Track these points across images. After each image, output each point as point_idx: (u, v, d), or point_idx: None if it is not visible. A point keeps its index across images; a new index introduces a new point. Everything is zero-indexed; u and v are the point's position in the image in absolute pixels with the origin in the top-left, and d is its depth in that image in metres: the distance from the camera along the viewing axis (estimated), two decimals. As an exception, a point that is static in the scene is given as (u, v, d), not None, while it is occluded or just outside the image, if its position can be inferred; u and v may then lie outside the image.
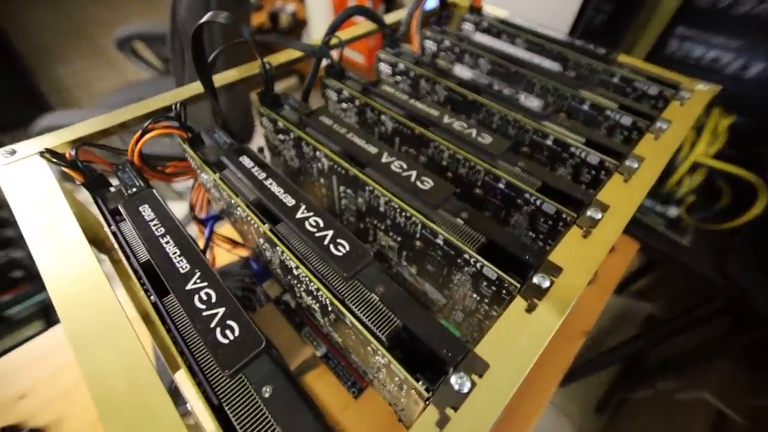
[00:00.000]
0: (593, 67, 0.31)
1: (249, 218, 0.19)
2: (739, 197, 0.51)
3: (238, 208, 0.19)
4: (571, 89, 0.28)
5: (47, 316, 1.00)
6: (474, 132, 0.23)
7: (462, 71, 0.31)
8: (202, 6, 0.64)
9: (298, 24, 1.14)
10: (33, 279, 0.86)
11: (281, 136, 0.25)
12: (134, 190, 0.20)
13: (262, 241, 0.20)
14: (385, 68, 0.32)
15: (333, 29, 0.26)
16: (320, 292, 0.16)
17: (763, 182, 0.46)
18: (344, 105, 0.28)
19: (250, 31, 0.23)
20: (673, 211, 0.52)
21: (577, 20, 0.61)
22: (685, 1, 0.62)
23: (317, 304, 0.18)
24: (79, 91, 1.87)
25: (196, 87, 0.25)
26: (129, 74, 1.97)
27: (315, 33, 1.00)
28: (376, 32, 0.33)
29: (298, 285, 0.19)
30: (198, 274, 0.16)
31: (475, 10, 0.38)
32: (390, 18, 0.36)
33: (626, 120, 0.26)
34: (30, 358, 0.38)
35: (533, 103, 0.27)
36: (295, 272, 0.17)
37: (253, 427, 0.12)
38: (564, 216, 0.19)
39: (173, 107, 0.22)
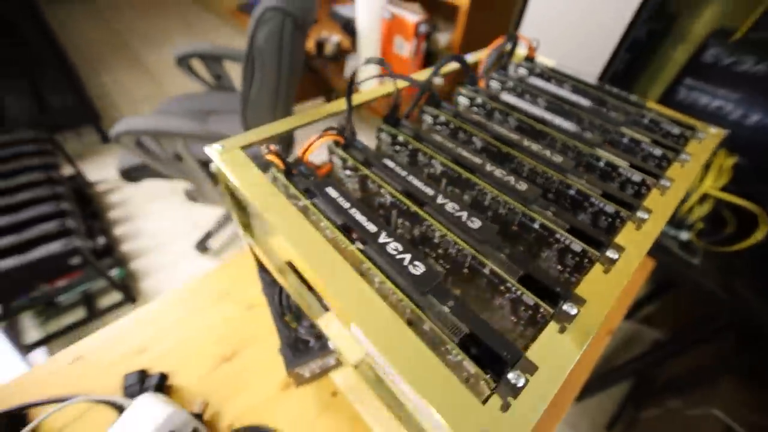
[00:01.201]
0: (627, 109, 0.40)
1: (399, 202, 0.26)
2: (743, 226, 0.58)
3: (387, 195, 0.27)
4: (613, 125, 0.36)
5: (89, 304, 1.06)
6: (512, 179, 0.28)
7: (526, 106, 0.40)
8: (278, 37, 0.75)
9: (341, 52, 1.27)
10: (86, 266, 0.93)
11: (398, 148, 0.34)
12: (312, 178, 0.28)
13: (401, 220, 0.27)
14: (463, 101, 0.41)
15: (437, 70, 0.35)
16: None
17: (764, 212, 0.54)
18: (438, 128, 0.37)
19: (390, 67, 0.32)
20: (684, 235, 0.59)
21: (606, 68, 0.71)
22: (693, 57, 0.72)
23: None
24: (120, 98, 1.99)
25: (340, 104, 0.34)
26: (165, 83, 2.10)
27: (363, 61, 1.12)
28: (458, 71, 0.42)
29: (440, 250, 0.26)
30: (384, 233, 0.23)
31: (529, 59, 0.47)
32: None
33: (657, 152, 0.34)
34: (140, 321, 0.45)
35: (587, 135, 0.36)
36: (451, 248, 0.25)
37: (446, 326, 0.19)
38: (589, 254, 0.23)
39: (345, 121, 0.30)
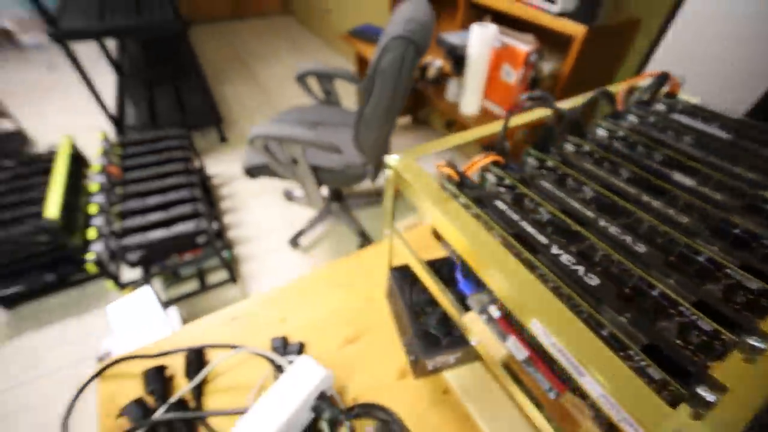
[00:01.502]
0: (793, 152, 0.37)
1: (558, 219, 0.29)
2: None
3: (544, 212, 0.30)
4: (779, 169, 0.35)
5: (201, 278, 1.23)
6: (672, 212, 0.29)
7: (671, 142, 0.40)
8: (399, 63, 0.83)
9: (442, 76, 1.34)
10: (207, 245, 1.09)
11: (544, 172, 0.36)
12: (477, 191, 0.32)
13: (556, 237, 0.30)
14: (602, 132, 0.42)
15: (587, 104, 0.37)
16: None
17: None
18: (581, 156, 0.39)
19: (548, 96, 0.35)
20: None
21: (756, 107, 0.66)
22: None
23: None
24: (236, 106, 2.30)
25: (495, 127, 0.38)
26: (273, 95, 2.38)
27: (470, 86, 1.17)
28: (598, 102, 0.44)
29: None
30: (555, 246, 0.26)
31: (670, 95, 0.47)
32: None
33: (837, 200, 0.32)
34: (281, 295, 0.53)
35: (749, 175, 0.35)
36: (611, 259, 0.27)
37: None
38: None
39: (499, 143, 0.34)
